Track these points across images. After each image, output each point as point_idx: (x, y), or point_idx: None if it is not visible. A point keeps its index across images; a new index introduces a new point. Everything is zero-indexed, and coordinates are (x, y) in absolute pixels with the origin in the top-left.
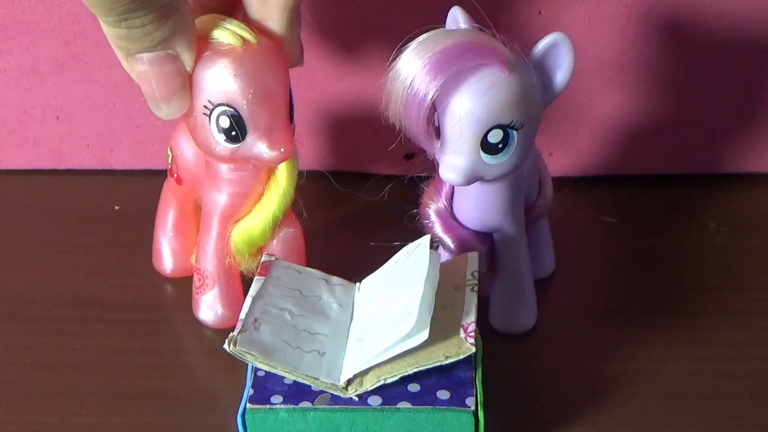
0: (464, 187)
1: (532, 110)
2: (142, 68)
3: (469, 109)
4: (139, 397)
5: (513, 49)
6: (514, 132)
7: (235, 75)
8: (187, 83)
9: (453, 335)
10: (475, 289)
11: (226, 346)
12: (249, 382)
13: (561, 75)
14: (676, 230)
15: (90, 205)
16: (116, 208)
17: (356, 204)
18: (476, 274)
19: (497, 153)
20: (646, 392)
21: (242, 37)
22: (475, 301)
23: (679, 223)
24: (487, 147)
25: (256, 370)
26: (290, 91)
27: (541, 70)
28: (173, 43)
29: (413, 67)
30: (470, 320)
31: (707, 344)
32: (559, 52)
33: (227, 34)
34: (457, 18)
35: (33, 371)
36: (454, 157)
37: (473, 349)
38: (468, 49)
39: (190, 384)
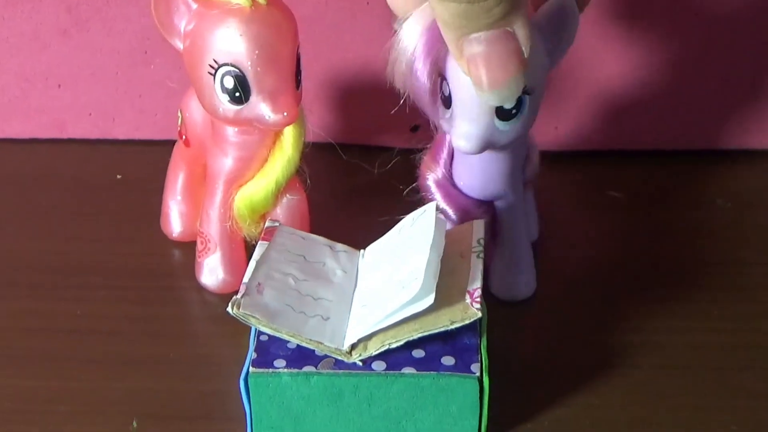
0: (465, 158)
1: (541, 74)
2: (477, 49)
3: None
4: (141, 363)
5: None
6: (527, 96)
7: (241, 35)
8: (525, 66)
9: (459, 300)
10: (481, 256)
11: (229, 308)
12: (252, 346)
13: (565, 39)
14: (682, 205)
15: (92, 174)
16: (118, 177)
17: (362, 175)
18: (482, 242)
19: (511, 119)
20: (651, 364)
21: None
22: (480, 267)
23: (686, 199)
24: (501, 113)
25: (259, 334)
26: (298, 56)
27: (546, 33)
28: (511, 20)
29: (416, 33)
30: (476, 286)
31: (712, 317)
32: (563, 16)
33: None
34: None
35: (34, 336)
36: (467, 125)
37: (479, 314)
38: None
39: (192, 350)
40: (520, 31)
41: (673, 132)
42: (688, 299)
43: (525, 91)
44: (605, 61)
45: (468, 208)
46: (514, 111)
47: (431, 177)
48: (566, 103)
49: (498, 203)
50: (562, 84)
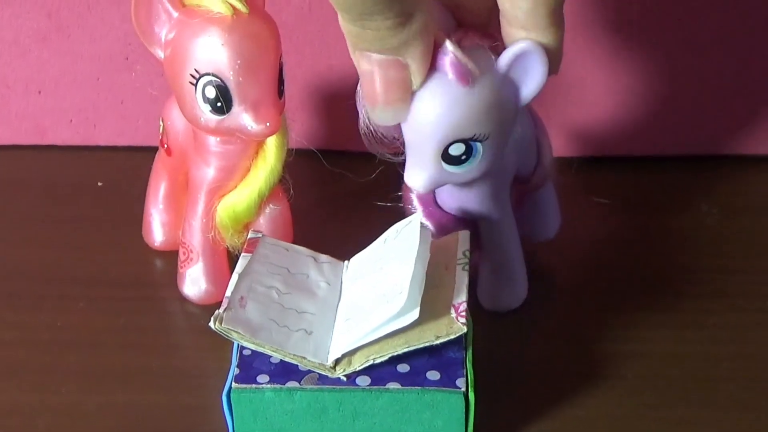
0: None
1: (498, 120)
2: (366, 67)
3: (427, 124)
4: (122, 376)
5: (482, 53)
6: (478, 144)
7: (223, 44)
8: (409, 97)
9: (444, 315)
10: (466, 268)
11: (211, 323)
12: (235, 361)
13: (529, 85)
14: (668, 212)
15: (73, 181)
16: (99, 184)
17: (346, 183)
18: (467, 253)
19: (461, 164)
20: (636, 374)
21: (233, 6)
22: (466, 280)
23: (671, 205)
24: (448, 159)
25: (242, 348)
26: (281, 65)
27: (510, 76)
28: (404, 53)
29: None
30: (461, 300)
31: (698, 326)
32: (525, 62)
33: (218, 2)
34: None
35: (13, 348)
36: (416, 167)
37: (464, 329)
38: None
39: (174, 362)
40: (414, 64)
41: (658, 138)
42: (674, 308)
43: (475, 139)
44: (591, 69)
45: (449, 225)
46: (463, 157)
47: (416, 192)
48: (551, 110)
49: (480, 222)
50: (546, 92)
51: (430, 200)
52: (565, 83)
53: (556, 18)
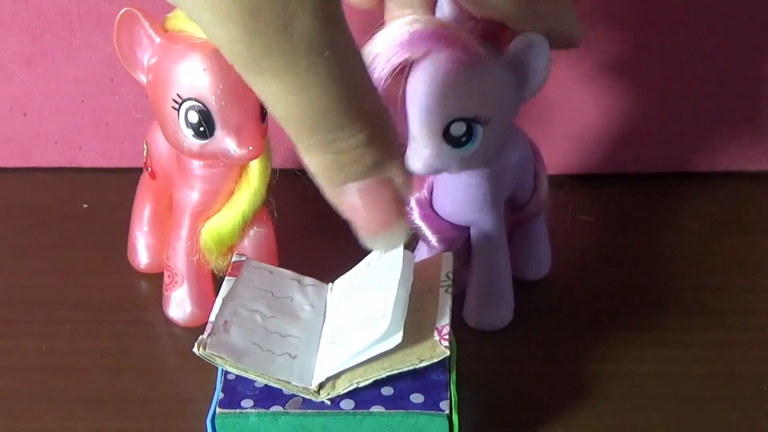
0: (441, 179)
1: (501, 106)
2: (352, 200)
3: (430, 99)
4: (108, 402)
5: (490, 42)
6: (479, 126)
7: (205, 69)
8: (404, 211)
9: (427, 338)
10: (450, 290)
11: (195, 349)
12: (219, 386)
13: (537, 75)
14: (652, 229)
15: (58, 203)
16: (84, 206)
17: (329, 204)
18: (450, 276)
19: (461, 146)
20: (619, 394)
21: None
22: (449, 303)
23: (656, 223)
24: (449, 139)
25: (226, 373)
26: None
27: (515, 68)
28: (385, 167)
29: (376, 50)
30: (444, 323)
31: (682, 345)
32: (534, 53)
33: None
34: (443, 7)
35: None
36: (419, 147)
37: (447, 353)
38: (430, 36)
39: (160, 387)
40: (398, 177)
41: (641, 155)
42: (659, 326)
43: (476, 120)
44: (576, 87)
45: (442, 229)
46: (464, 139)
47: (414, 195)
48: (536, 128)
49: (472, 229)
50: (532, 110)
51: (427, 203)
52: (547, 102)
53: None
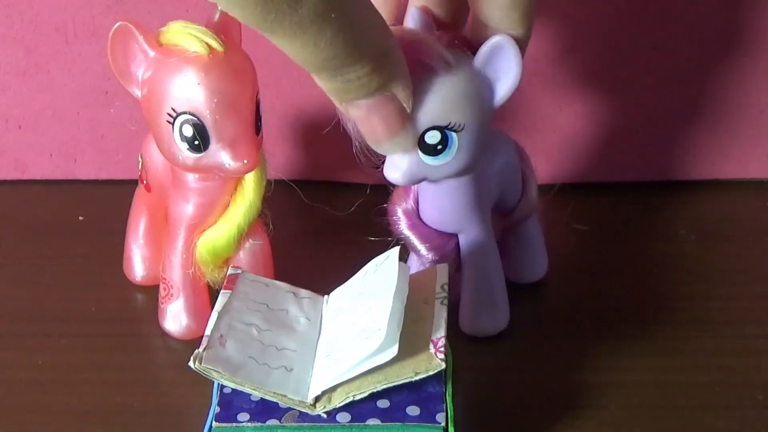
0: (425, 187)
1: (474, 112)
2: (358, 113)
3: None
4: (105, 415)
5: (458, 51)
6: (453, 134)
7: (199, 83)
8: (407, 121)
9: (423, 350)
10: (445, 302)
11: (191, 363)
12: (215, 400)
13: (507, 79)
14: (645, 238)
15: (54, 215)
16: (80, 218)
17: (324, 215)
18: (446, 287)
19: (437, 154)
20: (617, 404)
21: (209, 45)
22: (444, 315)
23: (648, 231)
24: (425, 147)
25: (222, 387)
26: (258, 102)
27: (486, 73)
28: (390, 86)
29: None
30: (440, 335)
31: (677, 354)
32: (501, 56)
33: (194, 41)
34: (411, 17)
35: None
36: (397, 158)
37: (443, 365)
38: (401, 46)
39: (157, 400)
40: (401, 92)
41: (635, 163)
42: (653, 336)
43: (450, 128)
44: (569, 95)
45: (430, 238)
46: (439, 147)
47: (401, 206)
48: (530, 137)
49: (460, 237)
50: (525, 119)
51: (414, 213)
52: (541, 110)
53: (528, 20)
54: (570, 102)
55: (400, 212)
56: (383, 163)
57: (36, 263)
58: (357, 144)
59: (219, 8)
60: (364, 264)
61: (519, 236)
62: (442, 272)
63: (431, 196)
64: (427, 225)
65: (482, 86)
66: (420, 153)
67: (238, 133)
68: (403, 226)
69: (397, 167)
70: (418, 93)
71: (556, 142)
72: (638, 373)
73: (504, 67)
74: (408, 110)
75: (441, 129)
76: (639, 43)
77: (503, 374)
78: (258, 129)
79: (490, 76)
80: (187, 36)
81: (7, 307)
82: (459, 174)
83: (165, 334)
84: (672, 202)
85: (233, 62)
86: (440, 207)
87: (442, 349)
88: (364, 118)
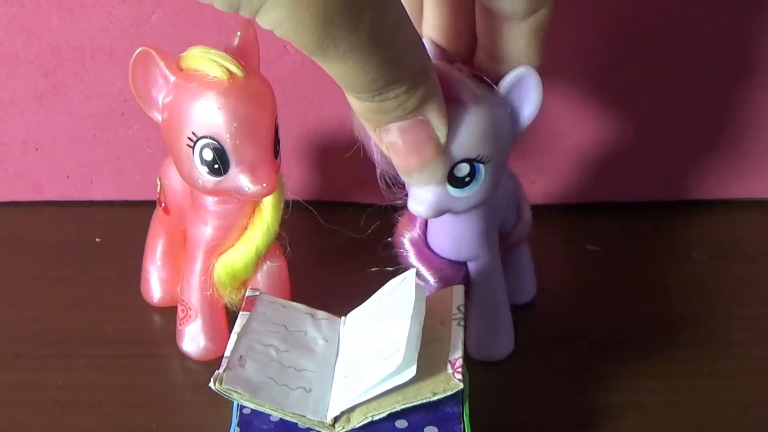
0: (437, 219)
1: (499, 143)
2: (392, 138)
3: None
4: None
5: (481, 82)
6: (481, 166)
7: (219, 108)
8: (440, 151)
9: (440, 371)
10: (462, 323)
11: (211, 384)
12: (235, 420)
13: (529, 108)
14: (658, 258)
15: (70, 237)
16: (97, 240)
17: (341, 237)
18: (462, 308)
19: (465, 186)
20: (630, 425)
21: (229, 70)
22: (461, 335)
23: (661, 251)
24: (454, 181)
25: (241, 407)
26: (277, 126)
27: (508, 103)
28: (424, 110)
29: None
30: (457, 355)
31: (691, 375)
32: (525, 86)
33: (214, 66)
34: (429, 50)
35: (13, 409)
36: (422, 191)
37: (461, 386)
38: None
39: (175, 421)
40: (434, 119)
41: (648, 183)
42: (667, 356)
43: (479, 160)
44: (581, 115)
45: (440, 267)
46: (467, 179)
47: (407, 236)
48: (543, 157)
49: (471, 264)
50: (538, 139)
51: (422, 242)
52: (551, 129)
53: (542, 51)
54: (580, 121)
55: (407, 243)
56: (405, 193)
57: (53, 285)
58: (380, 170)
59: (276, 33)
60: (381, 285)
61: (510, 260)
62: (458, 293)
63: (446, 226)
64: (436, 254)
65: (506, 117)
66: (447, 185)
67: (257, 157)
68: (412, 258)
69: (422, 200)
70: (449, 126)
71: (567, 161)
72: (651, 394)
73: (526, 97)
74: (442, 139)
75: (470, 161)
76: (650, 63)
77: (516, 396)
78: (277, 153)
79: (512, 105)
80: (207, 61)
81: (25, 329)
82: (480, 204)
83: (183, 356)
84: (684, 222)
85: (253, 87)
86: (455, 237)
87: (460, 369)
88: (396, 145)
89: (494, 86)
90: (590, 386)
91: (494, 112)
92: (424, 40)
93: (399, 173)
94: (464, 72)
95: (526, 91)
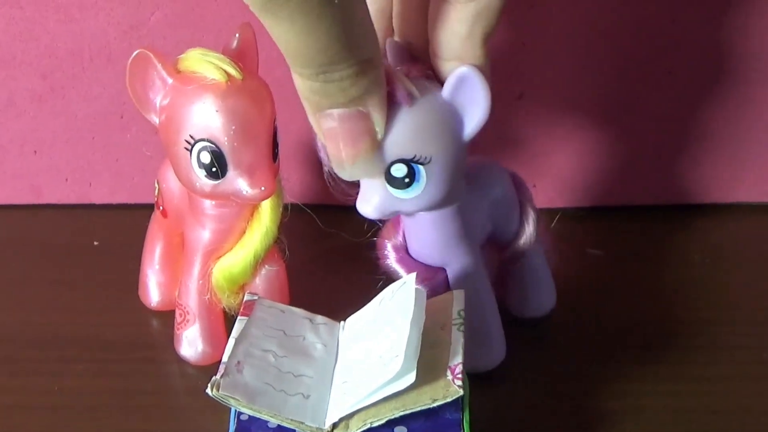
0: (409, 221)
1: (441, 144)
2: (331, 124)
3: None
4: None
5: (427, 82)
6: (420, 167)
7: (217, 111)
8: (375, 146)
9: (440, 377)
10: (461, 328)
11: (209, 390)
12: (232, 427)
13: (476, 111)
14: (661, 262)
15: (69, 240)
16: (95, 243)
17: (340, 241)
18: (462, 313)
19: (406, 187)
20: (634, 430)
21: (227, 72)
22: (461, 341)
23: (664, 255)
24: (392, 181)
25: (239, 413)
26: (275, 129)
27: (454, 104)
28: (366, 101)
29: None
30: (457, 361)
31: (693, 380)
32: (468, 88)
33: (212, 68)
34: (391, 48)
35: (11, 414)
36: (369, 192)
37: (461, 392)
38: None
39: (172, 426)
40: (375, 112)
41: (650, 187)
42: (670, 361)
43: (416, 161)
44: (582, 119)
45: (419, 273)
46: (407, 180)
47: (390, 241)
48: (543, 160)
49: (448, 269)
50: (538, 142)
51: (403, 247)
52: (555, 135)
53: (487, 45)
54: (584, 126)
55: (389, 247)
56: (356, 192)
57: (51, 288)
58: (327, 169)
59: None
60: (380, 290)
61: (521, 269)
62: (459, 298)
63: (415, 229)
64: (414, 259)
65: (450, 118)
66: (387, 186)
67: (255, 160)
68: (392, 260)
69: (368, 201)
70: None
71: (571, 165)
72: (655, 398)
73: (472, 98)
74: (379, 135)
75: (407, 162)
76: (653, 67)
77: (516, 401)
78: (275, 156)
79: (458, 107)
80: (205, 63)
81: (22, 333)
82: (436, 207)
83: (181, 360)
84: (686, 226)
85: (251, 89)
86: (423, 240)
87: (460, 375)
88: (333, 132)
89: (438, 87)
90: (590, 391)
91: (433, 114)
92: (387, 40)
93: (332, 165)
94: (412, 71)
95: (470, 94)
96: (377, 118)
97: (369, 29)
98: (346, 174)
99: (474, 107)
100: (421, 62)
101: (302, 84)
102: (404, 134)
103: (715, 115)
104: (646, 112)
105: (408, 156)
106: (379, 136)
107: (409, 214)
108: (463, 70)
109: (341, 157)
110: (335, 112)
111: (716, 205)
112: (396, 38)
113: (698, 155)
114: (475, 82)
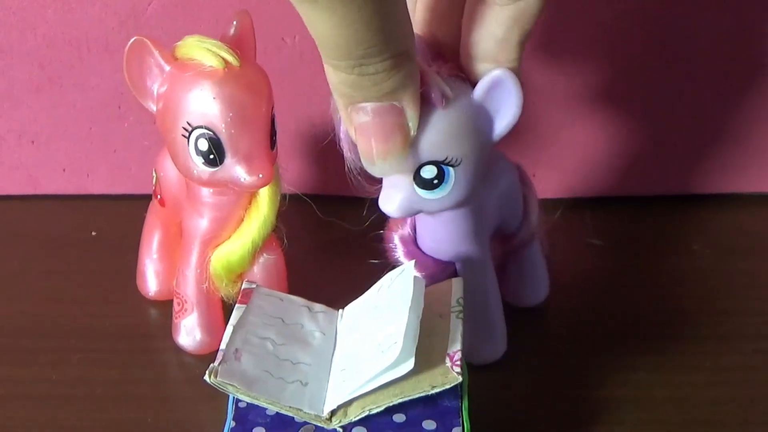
0: (422, 216)
1: (472, 146)
2: (363, 119)
3: None
4: (118, 430)
5: (459, 82)
6: (450, 168)
7: (215, 97)
8: (407, 142)
9: (439, 364)
10: (461, 316)
11: (206, 377)
12: (230, 414)
13: (507, 114)
14: (660, 253)
15: (66, 231)
16: (93, 233)
17: (338, 230)
18: (461, 301)
19: (433, 188)
20: (634, 420)
21: (225, 59)
22: (460, 328)
23: (664, 246)
24: (421, 182)
25: (237, 401)
26: (273, 116)
27: (486, 106)
28: (400, 95)
29: None
30: (456, 349)
31: (694, 369)
32: (501, 91)
33: (210, 55)
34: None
35: (8, 403)
36: (393, 190)
37: (459, 379)
38: None
39: (171, 415)
40: (409, 108)
41: (650, 177)
42: (669, 351)
43: (447, 163)
44: (583, 109)
45: (428, 266)
46: (435, 181)
47: (398, 232)
48: (544, 150)
49: (458, 264)
50: (539, 131)
51: (411, 239)
52: (555, 124)
53: (523, 49)
54: (585, 115)
55: (396, 239)
56: (376, 188)
57: (49, 278)
58: (349, 164)
59: None
60: (379, 278)
61: (520, 259)
62: (458, 286)
63: (430, 225)
64: (424, 252)
65: (481, 120)
66: (415, 187)
67: (253, 147)
68: (400, 254)
69: (391, 200)
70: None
71: (571, 155)
72: (654, 389)
73: (504, 101)
74: (412, 131)
75: (438, 164)
76: (655, 57)
77: (517, 391)
78: (273, 143)
79: (489, 109)
80: (202, 50)
81: (20, 323)
82: (456, 206)
83: (179, 349)
84: (687, 217)
85: (248, 76)
86: (438, 236)
87: (459, 362)
88: (365, 126)
89: (473, 88)
90: (592, 381)
91: (466, 117)
92: None
93: (362, 161)
94: (443, 71)
95: (502, 97)
96: (411, 113)
97: (406, 20)
98: (375, 170)
99: (506, 110)
100: (450, 60)
101: (336, 77)
102: (437, 137)
103: (716, 106)
104: (646, 104)
105: (440, 158)
106: (413, 133)
107: (442, 212)
108: (498, 73)
109: (372, 153)
110: (368, 106)
111: (716, 195)
112: (418, 32)
113: (698, 146)
114: (510, 86)
